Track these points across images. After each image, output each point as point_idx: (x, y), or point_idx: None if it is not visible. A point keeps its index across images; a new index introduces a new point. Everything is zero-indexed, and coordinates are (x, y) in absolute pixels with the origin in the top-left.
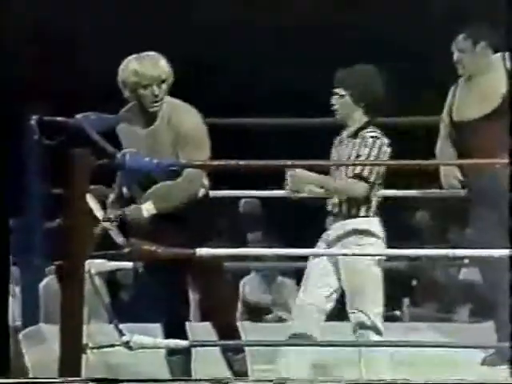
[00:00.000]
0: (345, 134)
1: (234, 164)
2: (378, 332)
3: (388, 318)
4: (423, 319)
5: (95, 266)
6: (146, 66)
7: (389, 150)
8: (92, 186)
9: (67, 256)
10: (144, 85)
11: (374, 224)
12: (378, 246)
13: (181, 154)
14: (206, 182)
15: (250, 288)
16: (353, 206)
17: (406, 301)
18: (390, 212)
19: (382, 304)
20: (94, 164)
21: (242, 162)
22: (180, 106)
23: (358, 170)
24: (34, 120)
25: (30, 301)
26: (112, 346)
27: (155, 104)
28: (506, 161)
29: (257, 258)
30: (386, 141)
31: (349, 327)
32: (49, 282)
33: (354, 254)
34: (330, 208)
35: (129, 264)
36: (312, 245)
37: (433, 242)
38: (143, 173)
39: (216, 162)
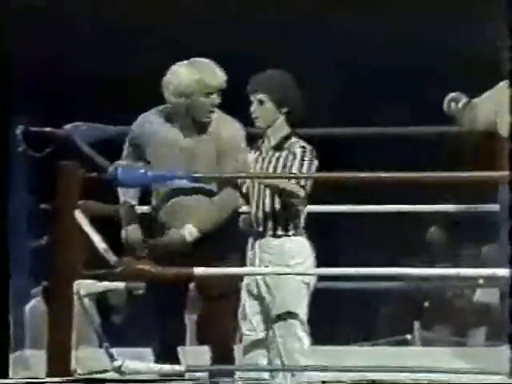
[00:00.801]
0: (266, 144)
1: (243, 176)
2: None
3: (398, 343)
4: (435, 343)
5: (85, 286)
6: (211, 74)
7: (316, 162)
8: (81, 201)
9: (55, 276)
10: (206, 93)
11: (302, 243)
12: (307, 266)
13: (222, 166)
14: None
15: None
16: (279, 223)
17: (417, 324)
18: (398, 229)
19: (306, 328)
20: (84, 177)
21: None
22: (227, 118)
23: (293, 181)
24: (19, 130)
25: (16, 324)
26: (103, 371)
27: (211, 114)
28: (506, 173)
29: None
30: (314, 152)
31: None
32: (35, 304)
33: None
34: (254, 226)
35: (121, 284)
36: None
37: (445, 261)
38: (137, 187)
39: (228, 174)
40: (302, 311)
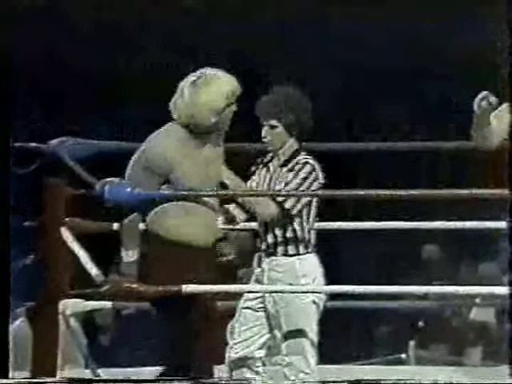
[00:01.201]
0: (272, 164)
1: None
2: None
3: (392, 362)
4: (431, 362)
5: (71, 306)
6: (232, 84)
7: (321, 176)
8: (68, 219)
9: (40, 296)
10: (229, 104)
11: (309, 262)
12: (318, 284)
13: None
14: None
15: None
16: (290, 241)
17: (412, 343)
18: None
19: (315, 347)
20: (70, 195)
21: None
22: None
23: (279, 199)
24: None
25: None
26: None
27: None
28: (506, 191)
29: None
30: (317, 166)
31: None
32: (19, 325)
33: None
34: (264, 244)
35: (108, 304)
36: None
37: (442, 279)
38: (124, 205)
39: (212, 192)
40: (311, 330)
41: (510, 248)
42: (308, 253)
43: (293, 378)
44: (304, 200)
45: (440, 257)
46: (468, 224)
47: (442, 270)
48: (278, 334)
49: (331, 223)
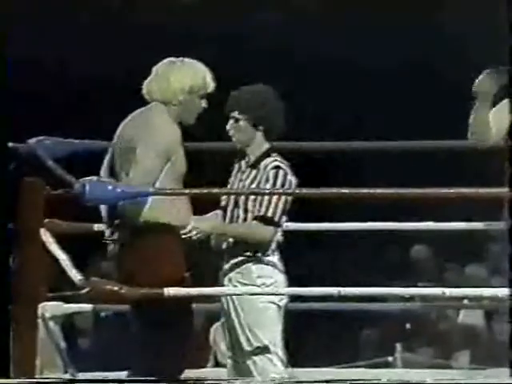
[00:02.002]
0: (244, 162)
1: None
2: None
3: (379, 365)
4: (418, 365)
5: (50, 309)
6: (209, 75)
7: (294, 180)
8: (47, 220)
9: (18, 299)
10: (202, 95)
11: (272, 263)
12: (277, 286)
13: None
14: None
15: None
16: (249, 245)
17: (399, 346)
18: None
19: (280, 347)
20: (49, 195)
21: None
22: None
23: (262, 211)
24: None
25: None
26: None
27: (194, 119)
28: (506, 190)
29: None
30: (289, 170)
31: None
32: None
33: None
34: (224, 246)
35: (88, 306)
36: None
37: (430, 280)
38: (106, 204)
39: (187, 190)
40: (271, 332)
41: (510, 248)
42: (267, 255)
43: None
44: (281, 206)
45: (427, 257)
46: (455, 225)
47: (430, 270)
48: (240, 336)
49: (301, 224)
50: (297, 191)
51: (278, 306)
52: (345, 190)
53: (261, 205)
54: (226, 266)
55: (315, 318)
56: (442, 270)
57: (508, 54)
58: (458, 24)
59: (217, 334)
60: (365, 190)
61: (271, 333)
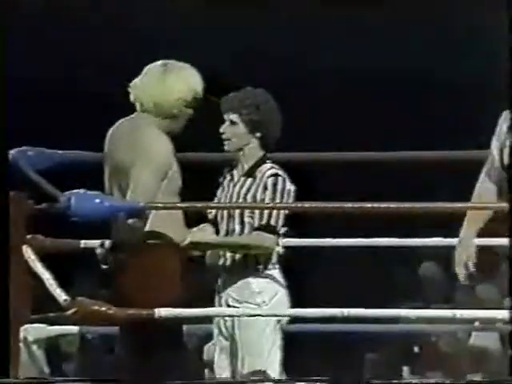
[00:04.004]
0: (236, 171)
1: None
2: None
3: None
4: None
5: (33, 331)
6: (200, 84)
7: (292, 187)
8: (30, 236)
9: None
10: (194, 104)
11: (273, 279)
12: (277, 302)
13: None
14: None
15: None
16: (249, 257)
17: (406, 369)
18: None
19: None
20: (33, 209)
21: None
22: None
23: (264, 220)
24: None
25: None
26: None
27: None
28: (505, 205)
29: None
30: (287, 177)
31: None
32: None
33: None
34: (220, 262)
35: (74, 328)
36: None
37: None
38: (93, 219)
39: (181, 204)
40: (269, 350)
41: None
42: (268, 269)
43: None
44: (282, 216)
45: (437, 275)
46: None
47: (439, 288)
48: (236, 357)
49: (302, 239)
50: (299, 205)
51: (277, 323)
52: (348, 205)
53: (262, 214)
54: (222, 283)
55: (317, 340)
56: (451, 288)
57: (508, 53)
58: (458, 25)
59: (209, 354)
60: (368, 205)
61: (269, 351)
